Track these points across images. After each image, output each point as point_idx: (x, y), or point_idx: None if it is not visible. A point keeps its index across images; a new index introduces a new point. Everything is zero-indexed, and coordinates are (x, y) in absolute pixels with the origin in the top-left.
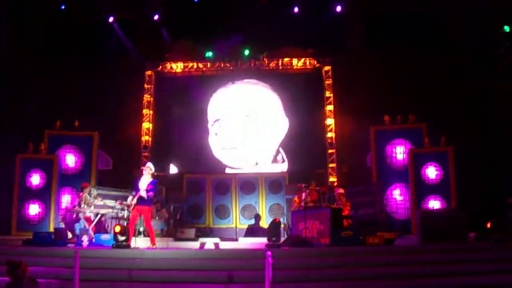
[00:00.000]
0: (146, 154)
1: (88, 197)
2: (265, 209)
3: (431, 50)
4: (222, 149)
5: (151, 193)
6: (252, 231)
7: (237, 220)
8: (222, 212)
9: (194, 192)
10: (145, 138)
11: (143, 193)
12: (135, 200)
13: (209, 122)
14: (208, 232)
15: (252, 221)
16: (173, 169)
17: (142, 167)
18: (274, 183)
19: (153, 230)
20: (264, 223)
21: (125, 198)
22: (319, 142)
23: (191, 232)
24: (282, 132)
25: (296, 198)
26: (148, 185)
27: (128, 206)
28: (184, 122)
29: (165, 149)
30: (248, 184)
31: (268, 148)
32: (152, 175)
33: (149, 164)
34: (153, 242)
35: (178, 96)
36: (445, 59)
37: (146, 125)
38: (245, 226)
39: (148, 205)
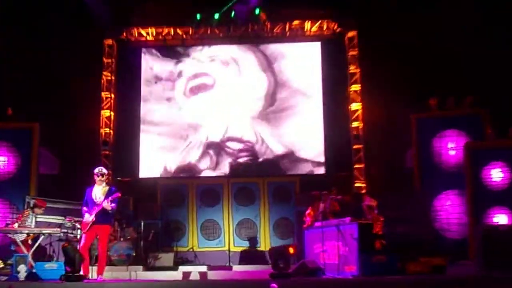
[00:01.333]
0: (107, 152)
1: (30, 218)
2: (268, 226)
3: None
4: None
5: (114, 205)
6: (250, 255)
7: (231, 241)
8: (210, 230)
9: (173, 204)
10: (105, 130)
11: (106, 204)
12: (90, 218)
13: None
14: (192, 258)
15: (252, 241)
16: (143, 173)
17: (98, 175)
18: (280, 191)
19: (106, 256)
20: (267, 244)
21: (77, 213)
22: (341, 135)
23: (169, 258)
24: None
25: (310, 211)
26: (109, 194)
27: (84, 224)
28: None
29: (132, 145)
30: (246, 192)
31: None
32: (107, 182)
33: (100, 168)
34: (101, 271)
35: (149, 74)
36: None
37: (106, 113)
38: (243, 249)
39: (109, 223)
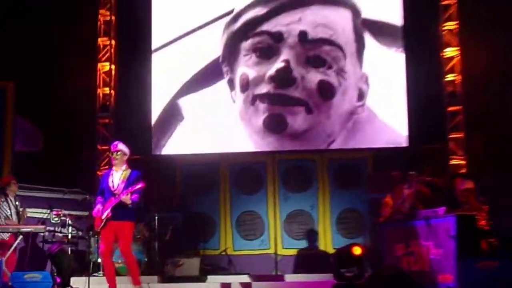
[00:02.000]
0: (106, 120)
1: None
2: (329, 220)
3: None
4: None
5: (135, 197)
6: (307, 260)
7: (278, 241)
8: (249, 226)
9: (198, 191)
10: (104, 90)
11: (125, 198)
12: (105, 213)
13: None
14: (225, 264)
15: (307, 240)
16: (158, 148)
17: (110, 154)
18: (347, 171)
19: (136, 261)
20: (329, 245)
21: (67, 204)
22: (430, 93)
23: (193, 264)
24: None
25: (388, 199)
26: (129, 181)
27: (97, 221)
28: None
29: (142, 111)
30: (299, 173)
31: None
32: (128, 163)
33: (121, 146)
34: (137, 282)
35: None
36: None
37: (105, 67)
38: (294, 252)
39: (130, 219)
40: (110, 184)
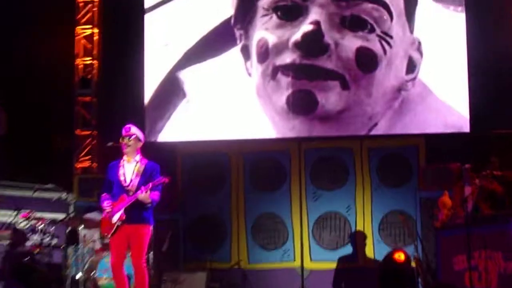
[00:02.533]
0: (87, 99)
1: None
2: (370, 225)
3: None
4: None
5: (156, 195)
6: (342, 276)
7: (305, 252)
8: (269, 232)
9: (204, 187)
10: (84, 61)
11: (144, 196)
12: (117, 215)
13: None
14: (239, 280)
15: (342, 251)
16: (154, 134)
17: (121, 139)
18: (392, 162)
19: (146, 278)
20: (369, 257)
21: (38, 204)
22: (499, 63)
23: (199, 280)
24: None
25: (445, 198)
26: (146, 175)
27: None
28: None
29: (132, 86)
30: (331, 165)
31: None
32: (142, 153)
33: (134, 129)
34: None
35: None
36: None
37: (86, 31)
38: (325, 266)
39: (148, 223)
40: (121, 178)
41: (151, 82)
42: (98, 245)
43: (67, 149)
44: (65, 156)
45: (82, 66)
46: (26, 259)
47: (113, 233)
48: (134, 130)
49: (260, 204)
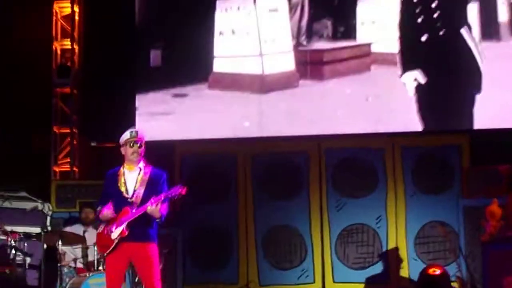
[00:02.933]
0: (66, 90)
1: None
2: (405, 239)
3: None
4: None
5: (165, 208)
6: None
7: (327, 272)
8: (283, 248)
9: (206, 195)
10: (63, 44)
11: (154, 209)
12: (118, 231)
13: None
14: None
15: (371, 270)
16: (147, 132)
17: (129, 146)
18: (429, 164)
19: None
20: (404, 277)
21: (9, 215)
22: None
23: None
24: None
25: (494, 207)
26: (152, 185)
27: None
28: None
29: (121, 75)
30: (356, 168)
31: None
32: (145, 158)
33: (131, 132)
34: None
35: None
36: None
37: (65, 8)
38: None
39: (154, 240)
40: (122, 189)
41: (144, 69)
42: (80, 264)
43: (43, 149)
44: (41, 157)
45: (60, 51)
46: None
47: (111, 251)
48: (142, 133)
49: (273, 214)
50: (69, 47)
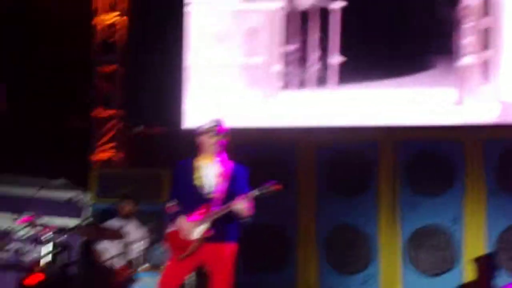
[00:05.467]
0: (111, 68)
1: None
2: (485, 242)
3: None
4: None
5: (251, 207)
6: None
7: (397, 278)
8: (347, 250)
9: (261, 189)
10: (106, 19)
11: (242, 206)
12: (200, 230)
13: None
14: None
15: (446, 278)
16: (195, 119)
17: (209, 136)
18: None
19: None
20: (484, 283)
21: (45, 206)
22: None
23: None
24: None
25: None
26: (234, 179)
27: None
28: None
29: (171, 53)
30: (433, 163)
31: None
32: (227, 151)
33: (213, 121)
34: None
35: None
36: None
37: None
38: None
39: (234, 240)
40: (198, 184)
41: (196, 47)
42: (119, 263)
43: (82, 134)
44: (80, 143)
45: (103, 25)
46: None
47: (190, 253)
48: (226, 124)
49: (337, 212)
50: (113, 21)
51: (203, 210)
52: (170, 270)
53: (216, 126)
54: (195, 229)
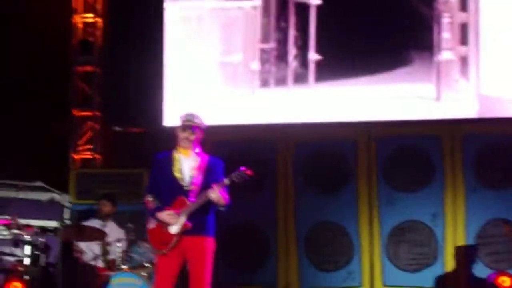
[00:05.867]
0: (89, 68)
1: None
2: (464, 238)
3: None
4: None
5: (226, 197)
6: None
7: (377, 275)
8: (327, 248)
9: (240, 188)
10: (86, 17)
11: (218, 195)
12: (179, 223)
13: None
14: None
15: (425, 273)
16: (174, 117)
17: (180, 131)
18: (492, 153)
19: None
20: (464, 278)
21: (24, 207)
22: None
23: None
24: None
25: None
26: (210, 171)
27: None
28: None
29: (148, 51)
30: (411, 158)
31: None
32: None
33: (188, 115)
34: None
35: None
36: None
37: None
38: None
39: (211, 234)
40: (178, 176)
41: (174, 45)
42: (100, 263)
43: (62, 134)
44: (59, 144)
45: (82, 25)
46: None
47: (173, 246)
48: (196, 119)
49: (316, 210)
50: (92, 20)
51: (180, 203)
52: (163, 268)
53: (189, 120)
54: (174, 222)
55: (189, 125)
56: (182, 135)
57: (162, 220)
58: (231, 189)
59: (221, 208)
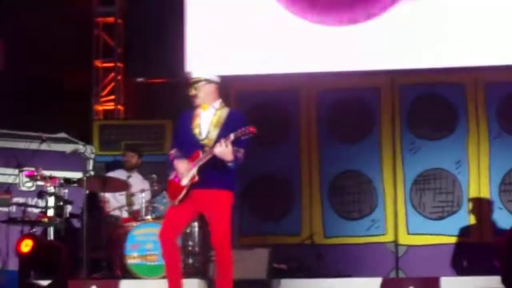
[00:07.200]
0: (110, 20)
1: None
2: (488, 186)
3: None
4: None
5: (241, 152)
6: (456, 254)
7: (401, 222)
8: (351, 196)
9: (263, 138)
10: None
11: (224, 150)
12: (189, 176)
13: None
14: (312, 260)
15: (449, 221)
16: (199, 66)
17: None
18: None
19: (231, 262)
20: (487, 230)
21: (48, 159)
22: None
23: (258, 261)
24: None
25: None
26: (228, 126)
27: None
28: None
29: (170, 4)
30: (435, 106)
31: None
32: (221, 100)
33: (203, 72)
34: None
35: None
36: None
37: None
38: (430, 241)
39: (228, 188)
40: (196, 131)
41: None
42: (124, 214)
43: (84, 86)
44: (82, 95)
45: None
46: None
47: (182, 198)
48: (198, 73)
49: (340, 159)
50: None
51: (195, 156)
52: (169, 217)
53: (189, 77)
54: (186, 174)
55: (189, 83)
56: (194, 92)
57: (177, 169)
58: (254, 140)
59: (230, 164)
